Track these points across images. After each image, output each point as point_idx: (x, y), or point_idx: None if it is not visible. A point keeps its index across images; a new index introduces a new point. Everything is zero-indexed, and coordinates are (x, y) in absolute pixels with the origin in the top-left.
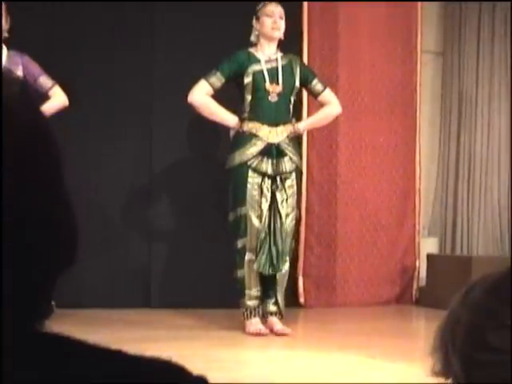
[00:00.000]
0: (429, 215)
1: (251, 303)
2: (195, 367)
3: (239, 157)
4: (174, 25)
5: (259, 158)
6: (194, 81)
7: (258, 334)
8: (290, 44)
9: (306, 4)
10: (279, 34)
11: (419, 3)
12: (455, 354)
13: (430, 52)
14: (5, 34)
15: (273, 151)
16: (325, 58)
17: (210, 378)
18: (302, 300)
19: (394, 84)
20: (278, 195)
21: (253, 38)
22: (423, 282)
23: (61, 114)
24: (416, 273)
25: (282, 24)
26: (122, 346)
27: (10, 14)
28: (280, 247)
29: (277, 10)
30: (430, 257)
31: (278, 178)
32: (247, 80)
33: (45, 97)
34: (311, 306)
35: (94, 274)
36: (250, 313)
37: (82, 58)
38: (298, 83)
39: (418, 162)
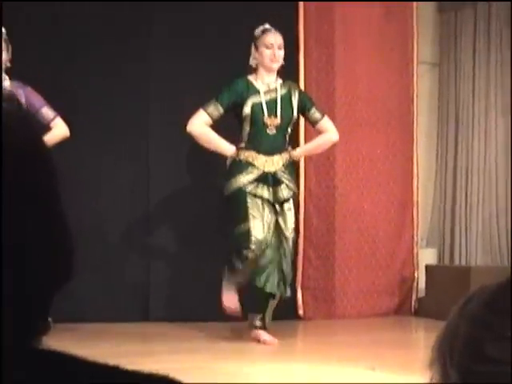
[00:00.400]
0: (427, 226)
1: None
2: (195, 380)
3: (236, 183)
4: (171, 44)
5: (255, 185)
6: (193, 105)
7: (230, 309)
8: (286, 56)
9: (301, 16)
10: (278, 65)
11: (414, 14)
12: (453, 366)
13: (426, 63)
14: (7, 64)
15: (269, 179)
16: (321, 70)
17: None
18: (300, 312)
19: (390, 96)
20: (281, 220)
21: (252, 63)
22: (422, 293)
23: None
24: (415, 284)
25: (281, 54)
26: (121, 359)
27: (11, 44)
28: (286, 271)
29: (276, 40)
30: (428, 267)
31: (277, 205)
32: (246, 112)
33: (46, 128)
34: (310, 318)
35: (92, 288)
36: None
37: (78, 72)
38: (295, 114)
39: (415, 173)
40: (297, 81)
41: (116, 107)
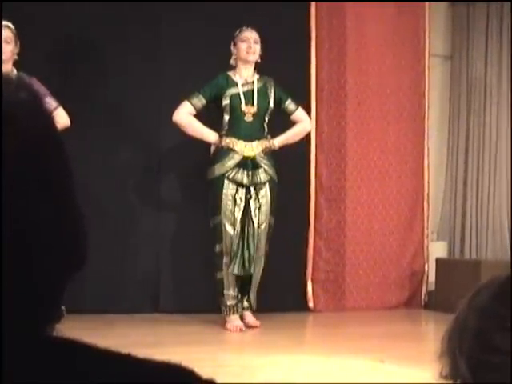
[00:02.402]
0: (437, 219)
1: (230, 302)
2: (204, 372)
3: (218, 169)
4: (181, 44)
5: (236, 170)
6: None
7: (237, 330)
8: (297, 48)
9: (313, 9)
10: (254, 57)
11: (427, 7)
12: (463, 358)
13: (438, 56)
14: (15, 57)
15: (248, 164)
16: (333, 62)
17: (219, 382)
18: (311, 304)
19: (402, 88)
20: (252, 204)
21: (232, 62)
22: (432, 286)
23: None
24: (425, 277)
25: (257, 48)
26: (130, 350)
27: (19, 39)
28: (252, 252)
29: (251, 35)
30: (438, 261)
31: (252, 188)
32: (225, 102)
33: None
34: (320, 311)
35: (103, 279)
36: (229, 310)
37: (89, 72)
38: (271, 104)
39: (426, 166)
40: (308, 73)
41: (127, 107)
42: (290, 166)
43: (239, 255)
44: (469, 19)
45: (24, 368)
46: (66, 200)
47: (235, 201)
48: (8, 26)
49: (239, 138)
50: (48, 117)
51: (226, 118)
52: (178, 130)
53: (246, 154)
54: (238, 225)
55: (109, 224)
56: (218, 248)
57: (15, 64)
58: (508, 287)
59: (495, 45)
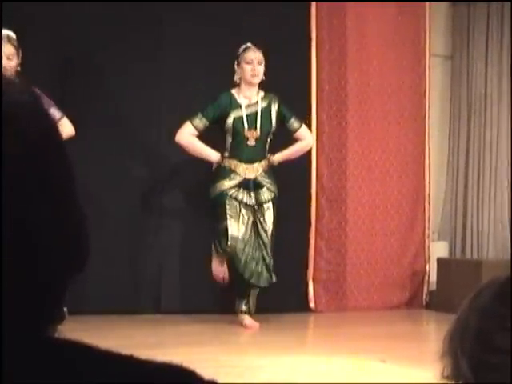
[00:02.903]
0: (439, 219)
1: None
2: (205, 373)
3: (219, 188)
4: (182, 45)
5: (237, 189)
6: (205, 104)
7: (218, 277)
8: (298, 49)
9: (313, 9)
10: (258, 79)
11: (427, 7)
12: (464, 358)
13: (439, 56)
14: (17, 69)
15: (250, 185)
16: (333, 62)
17: (221, 383)
18: (312, 305)
19: (402, 88)
20: (260, 218)
21: (235, 79)
22: (433, 286)
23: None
24: (426, 277)
25: (261, 69)
26: (132, 351)
27: (21, 49)
28: (268, 261)
29: (256, 56)
30: (440, 261)
31: (257, 207)
32: (228, 125)
33: None
34: (321, 311)
35: (104, 280)
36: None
37: (90, 72)
38: (274, 125)
39: (427, 166)
40: (309, 73)
41: (128, 106)
42: (291, 167)
43: (254, 265)
44: (469, 19)
45: (26, 369)
46: (68, 201)
47: (238, 218)
48: (10, 40)
49: (241, 161)
50: (49, 118)
51: (229, 140)
52: (179, 125)
53: (247, 177)
54: (246, 236)
55: (110, 225)
56: (223, 246)
57: (17, 75)
58: (509, 287)
59: (496, 45)
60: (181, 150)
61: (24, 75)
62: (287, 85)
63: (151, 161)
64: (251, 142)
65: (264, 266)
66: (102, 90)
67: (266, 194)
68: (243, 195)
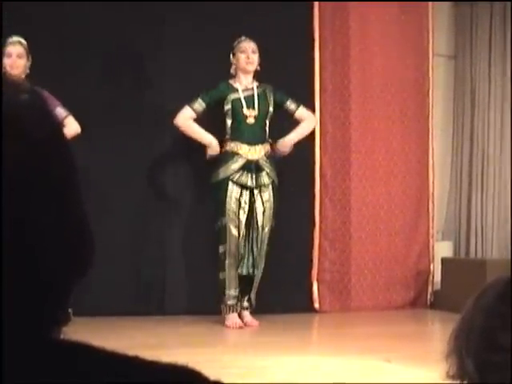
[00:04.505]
0: (443, 219)
1: (230, 302)
2: (209, 373)
3: (223, 172)
4: (184, 44)
5: (240, 173)
6: None
7: (236, 327)
8: (301, 49)
9: (316, 9)
10: (253, 67)
11: (430, 6)
12: (469, 357)
13: (442, 55)
14: (27, 71)
15: (252, 167)
16: (336, 62)
17: (225, 383)
18: (316, 305)
19: (406, 88)
20: (257, 207)
21: (232, 71)
22: (438, 286)
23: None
24: (431, 276)
25: (255, 58)
26: (136, 352)
27: (31, 53)
28: (256, 254)
29: (249, 45)
30: (444, 260)
31: (257, 191)
32: (227, 107)
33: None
34: (326, 311)
35: (108, 281)
36: (229, 309)
37: (91, 72)
38: (271, 108)
39: (431, 165)
40: (312, 73)
41: (129, 107)
42: (295, 167)
43: (246, 257)
44: (472, 19)
45: (31, 371)
46: (71, 202)
47: (240, 203)
48: (20, 42)
49: (243, 141)
50: (52, 118)
51: (229, 122)
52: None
53: (250, 158)
54: (242, 227)
55: (114, 226)
56: (221, 249)
57: (27, 77)
58: None
59: (499, 44)
60: (180, 133)
61: (31, 76)
62: (290, 85)
63: (154, 161)
64: (250, 121)
65: (251, 258)
66: (103, 88)
67: (265, 178)
68: (246, 178)
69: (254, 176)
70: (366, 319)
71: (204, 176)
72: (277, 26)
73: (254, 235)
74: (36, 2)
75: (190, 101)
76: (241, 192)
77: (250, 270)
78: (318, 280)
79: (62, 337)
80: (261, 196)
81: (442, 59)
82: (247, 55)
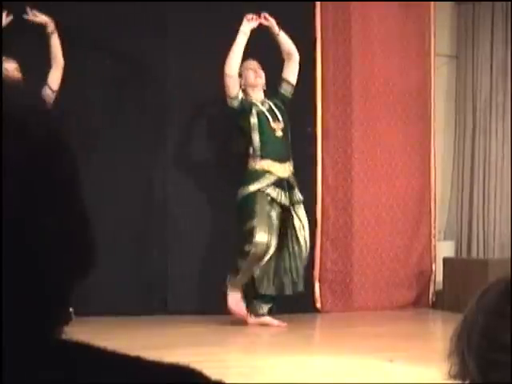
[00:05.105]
0: (445, 219)
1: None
2: (213, 373)
3: (253, 187)
4: (187, 45)
5: (272, 188)
6: (208, 104)
7: (237, 313)
8: (303, 49)
9: (318, 9)
10: (262, 80)
11: (432, 5)
12: (471, 356)
13: (444, 55)
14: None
15: (284, 184)
16: (338, 62)
17: (228, 383)
18: (318, 305)
19: (408, 88)
20: (295, 223)
21: (241, 94)
22: (440, 286)
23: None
24: (433, 276)
25: (262, 73)
26: (139, 352)
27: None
28: (300, 269)
29: (254, 63)
30: (446, 260)
31: (291, 208)
32: (253, 120)
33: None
34: (328, 311)
35: (111, 281)
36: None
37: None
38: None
39: (432, 165)
40: (314, 73)
41: (132, 105)
42: (297, 166)
43: (289, 273)
44: (474, 18)
45: (32, 371)
46: (73, 202)
47: (270, 217)
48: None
49: (274, 159)
50: (53, 120)
51: (256, 137)
52: (184, 126)
53: (281, 175)
54: (274, 240)
55: (117, 226)
56: (247, 248)
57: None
58: None
59: (501, 44)
60: (185, 127)
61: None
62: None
63: (157, 160)
64: (278, 133)
65: (291, 275)
66: (105, 87)
67: (298, 195)
68: (279, 195)
69: (287, 194)
70: (367, 319)
71: (207, 176)
72: (279, 25)
73: (297, 252)
74: (36, 2)
75: (190, 102)
76: (271, 206)
77: (290, 288)
78: (319, 280)
79: (63, 336)
80: (296, 213)
81: (443, 59)
82: (255, 70)
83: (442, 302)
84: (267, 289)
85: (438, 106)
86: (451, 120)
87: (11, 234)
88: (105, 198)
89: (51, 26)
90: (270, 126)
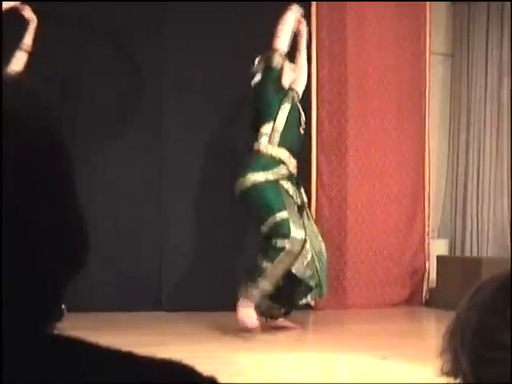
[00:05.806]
0: (438, 217)
1: (261, 301)
2: (206, 370)
3: (265, 175)
4: (185, 44)
5: (285, 181)
6: (207, 104)
7: (249, 326)
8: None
9: (314, 8)
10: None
11: (427, 4)
12: (464, 354)
13: (439, 54)
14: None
15: (294, 182)
16: (333, 60)
17: (221, 380)
18: (312, 302)
19: (403, 86)
20: (305, 221)
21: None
22: (433, 284)
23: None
24: (426, 274)
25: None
26: (133, 349)
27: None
28: (323, 273)
29: None
30: (439, 258)
31: (304, 210)
32: (284, 110)
33: None
34: (321, 309)
35: (104, 276)
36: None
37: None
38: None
39: (427, 163)
40: (309, 71)
41: (129, 105)
42: None
43: (320, 275)
44: (469, 17)
45: (25, 366)
46: (67, 199)
47: (294, 212)
48: None
49: (291, 152)
50: (49, 117)
51: (283, 121)
52: (179, 123)
53: (292, 170)
54: (308, 239)
55: (110, 222)
56: (279, 244)
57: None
58: (509, 283)
59: (496, 43)
60: (181, 124)
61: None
62: None
63: (152, 158)
64: (302, 130)
65: (324, 276)
66: (103, 88)
67: (304, 196)
68: (294, 192)
69: (296, 191)
70: (361, 317)
71: (203, 174)
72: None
73: (322, 251)
74: (36, 3)
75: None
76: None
77: (316, 291)
78: None
79: (55, 332)
80: (308, 217)
81: (438, 57)
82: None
83: (436, 300)
84: (311, 278)
85: (432, 104)
86: (446, 118)
87: (5, 230)
88: (99, 194)
89: (34, 24)
90: (299, 119)
